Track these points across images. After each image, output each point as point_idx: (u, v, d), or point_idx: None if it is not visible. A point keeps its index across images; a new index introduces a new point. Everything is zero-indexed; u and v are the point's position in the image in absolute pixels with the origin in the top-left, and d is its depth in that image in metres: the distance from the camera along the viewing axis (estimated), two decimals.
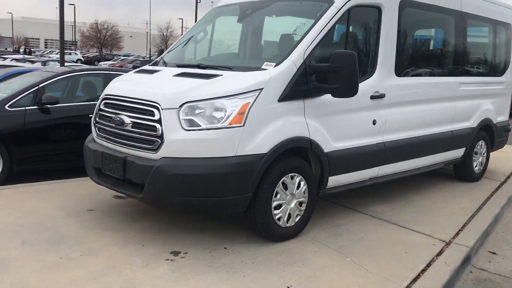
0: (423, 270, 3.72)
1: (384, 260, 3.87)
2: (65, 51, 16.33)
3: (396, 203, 5.46)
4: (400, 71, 5.11)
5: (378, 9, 4.77)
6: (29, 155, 6.03)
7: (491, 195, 6.09)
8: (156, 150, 3.75)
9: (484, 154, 6.89)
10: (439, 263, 3.87)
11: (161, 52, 5.52)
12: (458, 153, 6.29)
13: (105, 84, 5.71)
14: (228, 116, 3.69)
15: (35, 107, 6.15)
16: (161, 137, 3.73)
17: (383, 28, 4.81)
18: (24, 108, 6.06)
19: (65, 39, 15.78)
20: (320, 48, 4.23)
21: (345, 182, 4.64)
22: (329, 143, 4.32)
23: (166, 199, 3.78)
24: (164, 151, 3.72)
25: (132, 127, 3.97)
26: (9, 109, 5.97)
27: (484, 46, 6.91)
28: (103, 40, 73.52)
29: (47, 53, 54.22)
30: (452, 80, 5.99)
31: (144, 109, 3.91)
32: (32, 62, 23.43)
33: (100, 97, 4.53)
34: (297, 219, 4.19)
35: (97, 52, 68.38)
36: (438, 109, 5.75)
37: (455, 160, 6.35)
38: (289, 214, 4.11)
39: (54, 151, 6.25)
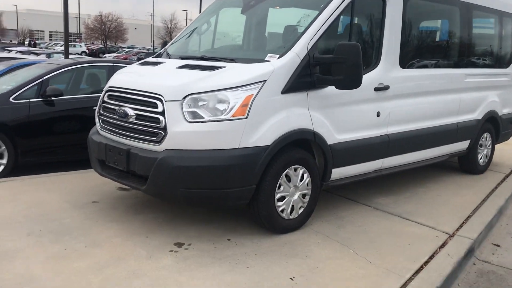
0: (426, 262, 3.72)
1: (387, 252, 3.87)
2: (69, 43, 16.34)
3: (400, 195, 5.45)
4: (405, 62, 5.08)
5: (382, 0, 4.73)
6: (33, 147, 6.06)
7: (496, 187, 6.07)
8: (159, 142, 3.76)
9: (489, 146, 6.86)
10: (442, 255, 3.87)
11: (164, 44, 5.52)
12: (463, 145, 6.26)
13: (109, 76, 5.71)
14: (231, 108, 3.68)
15: (40, 99, 6.17)
16: (164, 129, 3.74)
17: (387, 19, 4.78)
18: (28, 100, 6.08)
19: (70, 31, 15.80)
20: (324, 40, 4.20)
21: (348, 174, 4.63)
22: (333, 135, 4.32)
23: (169, 191, 3.79)
24: (168, 143, 3.73)
25: (136, 119, 3.98)
26: (13, 101, 6.00)
27: (490, 37, 6.85)
28: (108, 32, 73.46)
29: (52, 45, 54.31)
30: (457, 72, 5.95)
31: (147, 101, 3.91)
32: (37, 54, 23.48)
33: (104, 89, 4.53)
34: (300, 211, 4.20)
35: (101, 44, 68.38)
36: (443, 101, 5.71)
37: (459, 153, 6.33)
38: (292, 206, 4.12)
39: (58, 143, 6.27)
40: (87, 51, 49.42)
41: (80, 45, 54.64)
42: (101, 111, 4.48)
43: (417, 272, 3.55)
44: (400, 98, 5.02)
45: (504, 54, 7.05)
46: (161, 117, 3.76)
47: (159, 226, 4.18)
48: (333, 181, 4.51)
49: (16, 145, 5.88)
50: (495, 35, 6.86)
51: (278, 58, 3.98)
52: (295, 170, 4.07)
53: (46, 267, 3.33)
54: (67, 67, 6.78)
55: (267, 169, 3.82)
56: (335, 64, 3.99)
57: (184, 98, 3.74)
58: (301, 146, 4.15)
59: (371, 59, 4.74)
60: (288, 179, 4.03)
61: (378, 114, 4.77)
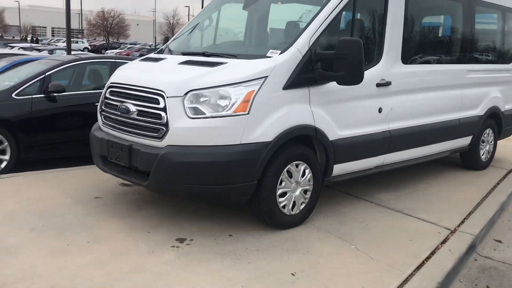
0: (428, 258, 3.73)
1: (389, 247, 3.88)
2: (71, 39, 16.36)
3: (402, 191, 5.45)
4: (407, 58, 5.07)
5: None
6: (36, 143, 6.07)
7: (498, 183, 6.06)
8: (161, 138, 3.77)
9: (491, 142, 6.84)
10: (443, 250, 3.87)
11: (166, 40, 5.52)
12: (465, 141, 6.26)
13: (111, 73, 5.71)
14: (233, 104, 3.69)
15: (42, 95, 6.18)
16: (166, 125, 3.74)
17: (389, 14, 4.76)
18: (31, 96, 6.09)
19: (72, 27, 15.81)
20: (325, 36, 4.20)
21: (350, 170, 4.64)
22: (335, 131, 4.31)
23: (171, 186, 3.80)
24: (169, 139, 3.73)
25: (138, 115, 3.99)
26: (16, 97, 6.01)
27: (493, 33, 6.82)
28: (110, 28, 73.49)
29: (54, 42, 54.29)
30: (459, 68, 5.93)
31: (149, 97, 3.92)
32: (39, 50, 23.49)
33: (106, 85, 4.54)
34: (302, 207, 4.21)
35: (103, 40, 68.37)
36: (445, 97, 5.70)
37: (461, 148, 6.32)
38: (294, 202, 4.12)
39: (60, 139, 6.29)
40: (89, 47, 49.39)
41: (82, 41, 54.61)
42: (103, 107, 4.49)
43: (419, 267, 3.56)
44: (402, 94, 5.01)
45: (506, 49, 7.02)
46: (163, 113, 3.77)
47: (161, 221, 4.19)
48: (335, 177, 4.51)
49: (18, 141, 5.90)
50: (498, 31, 6.84)
51: (280, 54, 3.98)
52: (297, 166, 4.07)
53: (49, 263, 3.35)
54: (69, 63, 6.78)
55: (269, 165, 3.83)
56: (337, 60, 3.98)
57: (186, 94, 3.74)
58: (303, 142, 4.15)
59: (373, 54, 4.73)
60: (290, 175, 4.04)
61: (380, 110, 4.77)
